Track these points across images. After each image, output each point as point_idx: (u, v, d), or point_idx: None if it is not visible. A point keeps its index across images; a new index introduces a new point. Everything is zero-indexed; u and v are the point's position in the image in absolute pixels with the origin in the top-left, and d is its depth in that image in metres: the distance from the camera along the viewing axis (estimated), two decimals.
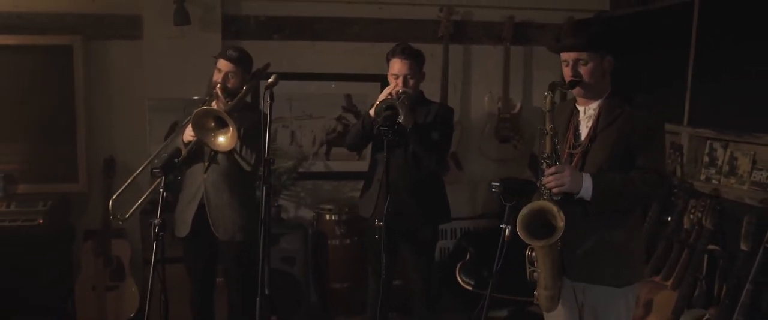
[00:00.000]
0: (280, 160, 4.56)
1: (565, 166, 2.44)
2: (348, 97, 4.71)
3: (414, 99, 3.40)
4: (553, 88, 2.49)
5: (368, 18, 4.74)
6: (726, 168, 3.75)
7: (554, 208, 2.37)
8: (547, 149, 2.47)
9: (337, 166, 4.75)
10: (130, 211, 3.31)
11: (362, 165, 3.94)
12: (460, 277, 4.23)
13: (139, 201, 3.34)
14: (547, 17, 4.81)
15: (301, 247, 4.48)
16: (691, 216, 3.65)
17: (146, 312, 2.94)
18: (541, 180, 2.47)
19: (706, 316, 3.25)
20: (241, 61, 3.37)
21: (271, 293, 2.94)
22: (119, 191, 3.30)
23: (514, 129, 4.85)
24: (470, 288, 4.16)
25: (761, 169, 3.51)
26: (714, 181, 3.78)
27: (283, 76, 3.00)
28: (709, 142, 3.87)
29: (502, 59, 4.83)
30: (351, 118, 4.67)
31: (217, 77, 3.34)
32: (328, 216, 4.54)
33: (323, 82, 4.73)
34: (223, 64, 3.34)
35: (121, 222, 3.41)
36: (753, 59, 3.45)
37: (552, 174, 2.42)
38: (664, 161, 2.67)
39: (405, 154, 3.38)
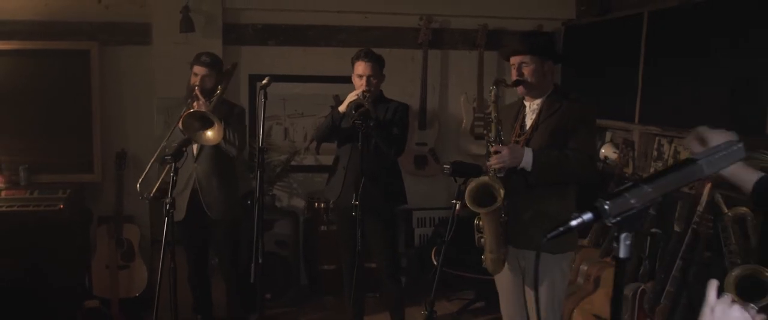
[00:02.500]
0: (274, 153, 5.04)
1: (505, 147, 2.88)
2: (336, 97, 5.08)
3: (376, 97, 3.82)
4: (496, 83, 2.97)
5: (355, 26, 5.16)
6: (671, 161, 4.20)
7: (495, 183, 2.83)
8: (492, 133, 2.93)
9: (326, 160, 5.02)
10: (154, 190, 3.73)
11: None
12: (435, 259, 4.68)
13: (159, 182, 3.74)
14: (517, 25, 5.18)
15: (292, 232, 4.91)
16: None
17: (158, 284, 3.34)
18: (487, 161, 2.92)
19: (642, 287, 3.70)
20: (214, 65, 3.89)
21: (265, 273, 3.40)
22: (143, 174, 3.65)
23: (486, 127, 5.29)
24: (444, 267, 4.62)
25: None
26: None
27: (277, 79, 3.47)
28: (656, 138, 4.32)
29: (476, 63, 5.23)
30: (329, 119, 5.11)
31: (195, 81, 3.84)
32: (317, 205, 4.97)
33: (314, 84, 5.14)
34: (199, 69, 3.85)
35: (146, 201, 3.85)
36: (693, 64, 3.90)
37: (496, 158, 2.87)
38: (594, 145, 3.11)
39: (368, 146, 3.71)
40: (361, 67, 3.77)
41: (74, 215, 4.50)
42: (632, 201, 1.06)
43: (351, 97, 3.68)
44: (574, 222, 1.11)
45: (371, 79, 3.76)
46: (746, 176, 1.34)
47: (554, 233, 1.15)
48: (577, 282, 4.15)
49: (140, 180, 3.63)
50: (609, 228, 4.28)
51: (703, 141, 1.22)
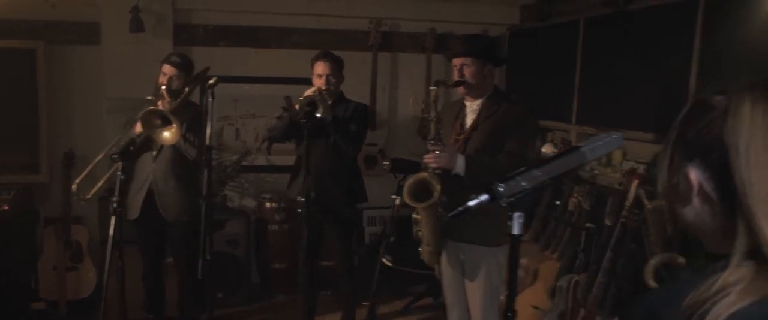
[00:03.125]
0: (225, 154, 5.09)
1: (444, 148, 3.02)
2: (288, 98, 5.19)
3: (336, 97, 3.95)
4: (437, 84, 3.10)
5: (306, 28, 5.25)
6: (604, 159, 4.41)
7: (433, 180, 2.96)
8: (432, 132, 3.06)
9: (277, 160, 5.20)
10: (92, 192, 3.79)
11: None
12: (384, 257, 4.81)
13: (101, 182, 3.80)
14: (464, 29, 5.19)
15: (243, 231, 4.95)
16: (574, 199, 4.31)
17: (105, 283, 3.36)
18: (425, 158, 3.04)
19: (576, 279, 3.87)
20: (183, 66, 3.90)
21: (217, 272, 3.46)
22: (83, 175, 3.71)
23: (427, 133, 5.43)
24: (391, 264, 4.73)
25: (629, 160, 4.18)
26: (595, 171, 4.43)
27: (228, 79, 3.53)
28: (591, 138, 4.52)
29: (425, 66, 5.38)
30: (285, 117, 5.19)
31: (163, 80, 3.85)
32: (268, 204, 5.04)
33: (266, 85, 5.20)
34: (168, 69, 3.87)
35: (83, 202, 3.86)
36: (625, 67, 4.10)
37: (431, 157, 3.00)
38: (528, 147, 3.26)
39: (326, 144, 3.87)
40: (320, 67, 3.89)
41: (20, 216, 4.47)
42: (523, 184, 1.19)
43: (307, 93, 3.76)
44: (471, 203, 1.23)
45: (330, 78, 3.88)
46: None
47: (455, 213, 1.26)
48: (518, 275, 4.30)
49: (78, 181, 3.65)
50: (548, 224, 4.48)
51: None
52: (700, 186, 1.04)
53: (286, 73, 5.10)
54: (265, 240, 5.05)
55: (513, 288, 1.29)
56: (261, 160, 5.27)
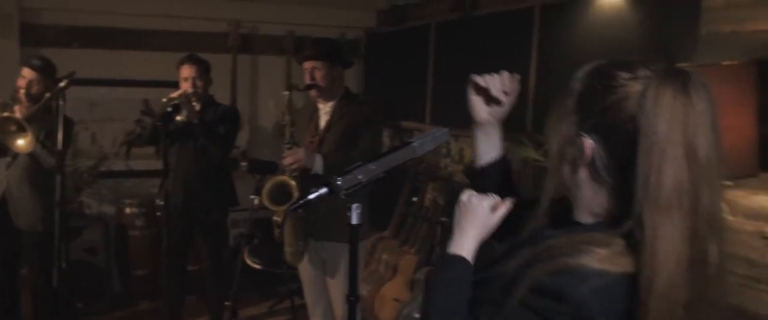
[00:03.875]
0: (82, 159, 4.91)
1: (299, 149, 3.12)
2: (146, 101, 5.12)
3: (204, 100, 3.94)
4: (290, 88, 3.20)
5: (163, 30, 5.14)
6: (456, 156, 4.70)
7: (291, 182, 3.06)
8: (287, 136, 3.16)
9: (136, 165, 5.09)
10: None
11: (159, 164, 4.39)
12: (249, 259, 4.83)
13: None
14: (322, 32, 5.37)
15: (102, 238, 4.81)
16: (430, 196, 4.55)
17: None
18: (283, 159, 3.14)
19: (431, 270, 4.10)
20: (44, 70, 3.75)
21: (75, 281, 3.35)
22: None
23: (282, 137, 5.51)
24: (258, 266, 4.77)
25: None
26: (449, 168, 4.71)
27: (83, 82, 3.42)
28: None
29: (285, 68, 5.46)
30: (149, 121, 5.10)
31: (21, 83, 3.69)
32: (129, 210, 4.91)
33: (122, 88, 5.06)
34: (27, 72, 3.71)
35: None
36: (473, 69, 4.39)
37: (290, 155, 3.10)
38: (379, 144, 3.42)
39: (194, 147, 3.83)
40: (185, 71, 3.88)
41: None
42: (360, 177, 1.31)
43: (171, 95, 3.72)
44: (311, 196, 1.34)
45: (196, 81, 3.87)
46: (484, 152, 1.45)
47: (296, 205, 1.37)
48: (378, 270, 4.49)
49: None
50: (406, 220, 4.70)
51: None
52: (593, 160, 1.08)
53: (144, 76, 5.01)
54: (126, 247, 4.93)
55: (354, 272, 1.41)
56: (119, 165, 5.13)
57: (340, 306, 3.37)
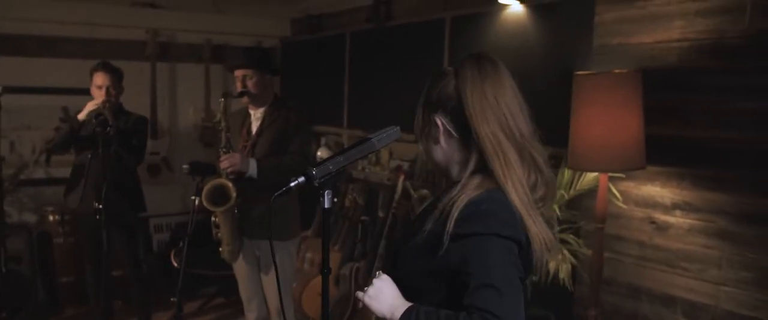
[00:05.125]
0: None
1: (235, 154, 3.29)
2: (64, 109, 5.07)
3: (116, 109, 3.97)
4: (225, 95, 3.36)
5: (80, 37, 5.13)
6: (373, 159, 4.97)
7: (229, 184, 3.23)
8: (223, 141, 3.32)
9: (57, 172, 5.03)
10: None
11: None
12: (175, 260, 4.90)
13: None
14: (239, 41, 5.60)
15: (26, 247, 4.76)
16: (350, 197, 4.80)
17: None
18: (220, 163, 3.30)
19: (357, 266, 4.36)
20: None
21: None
22: None
23: (216, 135, 5.65)
24: (184, 268, 4.86)
25: (395, 159, 4.77)
26: (366, 170, 4.97)
27: None
28: None
29: (203, 75, 5.58)
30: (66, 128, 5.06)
31: None
32: (51, 217, 4.87)
33: (40, 96, 5.00)
34: None
35: None
36: (386, 75, 4.68)
37: (226, 159, 3.26)
38: (308, 147, 3.64)
39: (108, 155, 3.77)
40: (99, 79, 3.90)
41: None
42: (330, 167, 1.55)
43: (90, 105, 3.76)
44: (292, 184, 1.56)
45: (111, 89, 3.90)
46: None
47: (279, 193, 1.59)
48: (304, 269, 4.70)
49: None
50: (348, 228, 4.93)
51: None
52: (445, 127, 1.54)
53: (60, 84, 4.98)
54: (50, 255, 4.89)
55: (326, 247, 1.64)
56: (40, 173, 5.09)
57: (273, 301, 3.56)
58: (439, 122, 1.55)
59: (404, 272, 1.59)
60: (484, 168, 1.50)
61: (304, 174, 1.54)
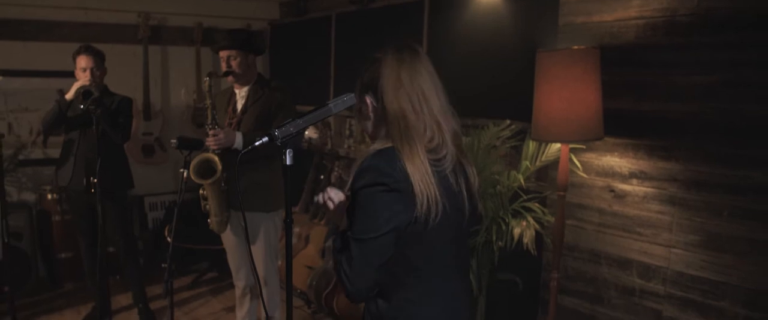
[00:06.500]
0: None
1: (220, 131, 3.46)
2: (60, 91, 5.22)
3: (101, 90, 4.10)
4: (210, 75, 3.53)
5: (75, 21, 5.27)
6: (359, 137, 5.16)
7: (215, 158, 3.42)
8: (209, 117, 3.51)
9: (54, 153, 5.05)
10: None
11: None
12: (169, 236, 5.10)
13: None
14: (229, 24, 5.74)
15: (26, 224, 4.94)
16: (336, 173, 5.00)
17: None
18: (207, 141, 3.48)
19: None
20: None
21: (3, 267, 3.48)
22: None
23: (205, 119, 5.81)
24: (176, 243, 5.05)
25: None
26: (352, 148, 5.17)
27: None
28: (347, 119, 5.26)
29: (194, 58, 5.74)
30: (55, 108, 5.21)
31: None
32: (49, 196, 5.07)
33: (36, 79, 5.16)
34: None
35: None
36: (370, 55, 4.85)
37: (212, 139, 3.44)
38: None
39: (96, 133, 3.90)
40: (83, 61, 4.05)
41: None
42: (291, 129, 1.74)
43: (77, 85, 3.91)
44: (257, 143, 1.75)
45: (94, 70, 4.05)
46: None
47: (245, 150, 1.79)
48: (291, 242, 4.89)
49: None
50: (314, 196, 5.11)
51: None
52: (372, 106, 1.79)
53: (56, 67, 5.12)
54: (49, 232, 5.08)
55: (288, 199, 1.84)
56: (38, 154, 5.26)
57: (261, 270, 3.75)
58: (367, 100, 1.79)
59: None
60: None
61: (267, 135, 1.73)
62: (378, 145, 1.74)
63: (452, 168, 1.79)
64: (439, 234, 1.75)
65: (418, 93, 1.72)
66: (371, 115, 1.80)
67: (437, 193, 1.70)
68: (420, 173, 1.67)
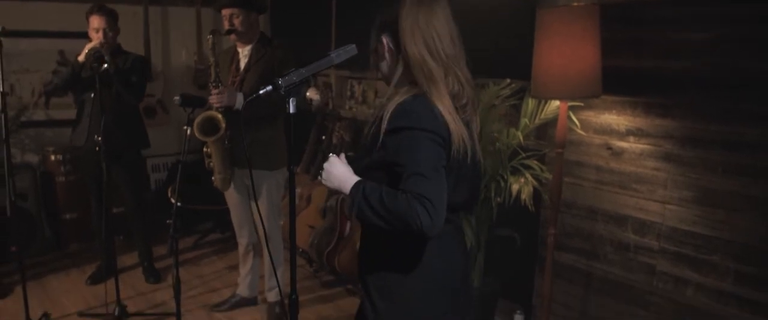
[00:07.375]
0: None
1: (224, 89, 3.51)
2: (61, 52, 5.26)
3: (114, 49, 4.16)
4: (213, 33, 3.56)
5: None
6: (360, 98, 5.19)
7: (219, 116, 3.46)
8: (213, 75, 3.54)
9: (56, 114, 5.27)
10: None
11: None
12: (172, 197, 5.16)
13: None
14: None
15: (31, 185, 5.00)
16: (337, 134, 5.04)
17: None
18: (210, 99, 3.52)
19: (342, 197, 4.58)
20: None
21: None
22: None
23: (208, 77, 5.84)
24: (180, 203, 5.12)
25: (381, 97, 4.98)
26: (353, 109, 5.20)
27: None
28: (349, 80, 5.29)
29: (195, 19, 5.74)
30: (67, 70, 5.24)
31: None
32: (53, 157, 5.09)
33: (37, 39, 5.13)
34: None
35: None
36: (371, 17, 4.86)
37: (215, 96, 3.48)
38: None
39: (110, 93, 4.07)
40: (96, 21, 4.06)
41: None
42: (294, 78, 1.78)
43: (90, 46, 3.92)
44: (261, 92, 1.79)
45: (107, 31, 4.08)
46: None
47: (250, 98, 1.83)
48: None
49: None
50: (316, 157, 5.18)
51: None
52: (389, 46, 1.82)
53: (57, 27, 5.11)
54: (53, 193, 5.13)
55: (290, 146, 1.88)
56: (40, 115, 5.28)
57: (262, 227, 3.82)
58: (384, 41, 1.82)
59: (355, 172, 1.84)
60: (413, 80, 1.79)
61: (272, 84, 1.77)
62: (403, 89, 1.77)
63: (469, 117, 1.85)
64: (459, 179, 1.82)
65: (435, 36, 1.76)
66: (386, 55, 1.83)
67: (466, 139, 1.76)
68: (452, 116, 1.73)
